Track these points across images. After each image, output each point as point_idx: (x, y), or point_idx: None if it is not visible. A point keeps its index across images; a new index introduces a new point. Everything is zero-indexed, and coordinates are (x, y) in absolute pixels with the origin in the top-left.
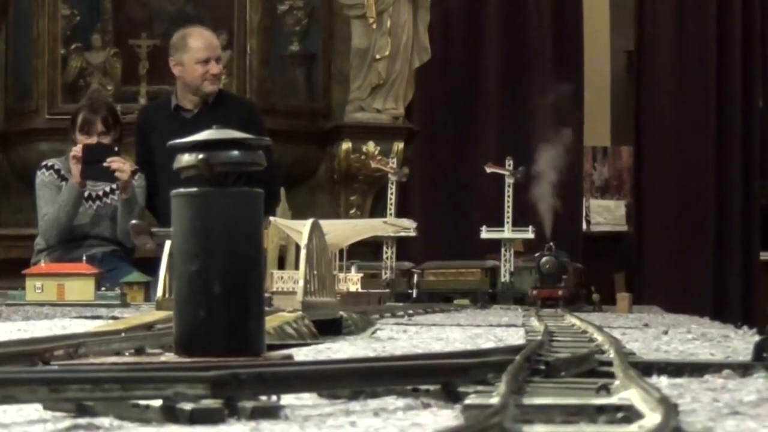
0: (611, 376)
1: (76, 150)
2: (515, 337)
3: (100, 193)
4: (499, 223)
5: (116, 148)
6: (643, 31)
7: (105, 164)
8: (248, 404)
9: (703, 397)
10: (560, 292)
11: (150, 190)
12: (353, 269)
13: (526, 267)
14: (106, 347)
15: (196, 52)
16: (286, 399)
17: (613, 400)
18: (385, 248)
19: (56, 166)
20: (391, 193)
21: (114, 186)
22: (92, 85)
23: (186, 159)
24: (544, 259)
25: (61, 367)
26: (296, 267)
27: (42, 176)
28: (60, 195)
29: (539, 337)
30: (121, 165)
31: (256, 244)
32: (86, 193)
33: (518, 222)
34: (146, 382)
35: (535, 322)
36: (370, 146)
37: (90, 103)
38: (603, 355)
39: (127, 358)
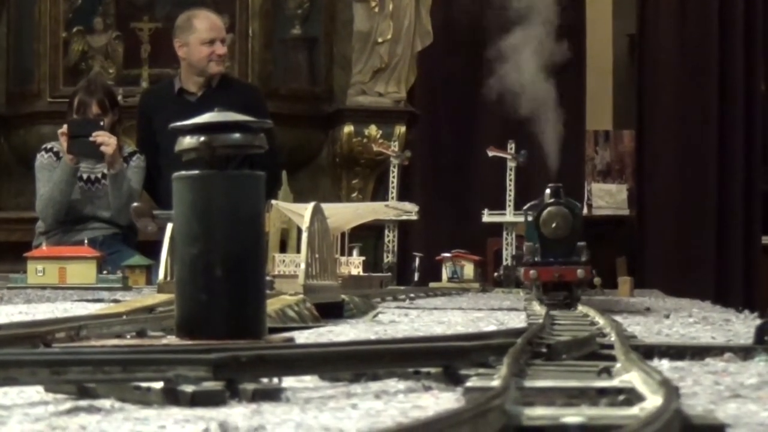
0: (612, 359)
1: (64, 127)
2: (517, 320)
3: (99, 175)
4: (501, 207)
5: (102, 123)
6: (645, 14)
7: (91, 139)
8: (249, 386)
9: (705, 380)
10: (579, 272)
11: (152, 173)
12: (355, 253)
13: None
14: (107, 330)
15: (202, 33)
16: (288, 381)
17: (614, 382)
18: (386, 232)
19: (55, 149)
20: (393, 177)
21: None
22: (94, 69)
23: (188, 141)
24: (548, 211)
25: (62, 350)
26: (298, 250)
27: (41, 158)
28: (53, 173)
29: (540, 321)
30: (106, 139)
31: (258, 228)
32: (85, 176)
33: (520, 206)
34: (147, 364)
35: (536, 306)
36: (372, 130)
37: (87, 85)
38: (604, 338)
39: (128, 341)
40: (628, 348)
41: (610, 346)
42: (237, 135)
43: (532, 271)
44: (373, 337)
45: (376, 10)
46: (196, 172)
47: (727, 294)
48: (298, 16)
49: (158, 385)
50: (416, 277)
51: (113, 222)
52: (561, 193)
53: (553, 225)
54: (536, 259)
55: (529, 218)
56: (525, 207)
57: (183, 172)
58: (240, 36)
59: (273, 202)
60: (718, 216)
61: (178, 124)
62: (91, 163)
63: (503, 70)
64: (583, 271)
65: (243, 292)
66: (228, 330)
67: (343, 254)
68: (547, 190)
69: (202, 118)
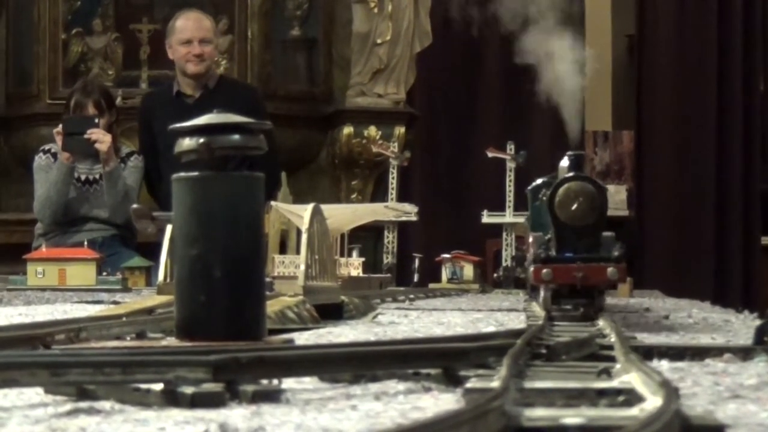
0: (612, 360)
1: (59, 127)
2: (516, 321)
3: (97, 176)
4: (500, 208)
5: (96, 121)
6: (643, 14)
7: (85, 136)
8: (249, 388)
9: (704, 381)
10: (610, 272)
11: (153, 176)
12: (354, 254)
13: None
14: (107, 332)
15: (179, 33)
16: (287, 383)
17: (614, 383)
18: (386, 233)
19: (53, 150)
20: (392, 178)
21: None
22: (93, 70)
23: (187, 143)
24: (567, 188)
25: (62, 351)
26: (297, 251)
27: (39, 160)
28: (49, 174)
29: (540, 322)
30: (100, 136)
31: (257, 229)
32: (83, 177)
33: (519, 206)
34: (147, 366)
35: (536, 307)
36: (372, 131)
37: (83, 86)
38: (604, 339)
39: (128, 343)
40: (627, 349)
41: (610, 347)
42: (236, 136)
43: (545, 270)
44: (372, 338)
45: (375, 11)
46: (196, 173)
47: (727, 294)
48: (297, 18)
49: (158, 386)
50: (416, 278)
51: (111, 222)
52: (583, 164)
53: (574, 207)
54: (550, 254)
55: (540, 200)
56: (529, 187)
57: (182, 174)
58: (239, 37)
59: (272, 203)
60: (717, 216)
61: (178, 125)
62: (89, 164)
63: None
64: (616, 270)
65: (242, 294)
66: (227, 331)
67: (342, 255)
68: (564, 161)
69: (202, 119)
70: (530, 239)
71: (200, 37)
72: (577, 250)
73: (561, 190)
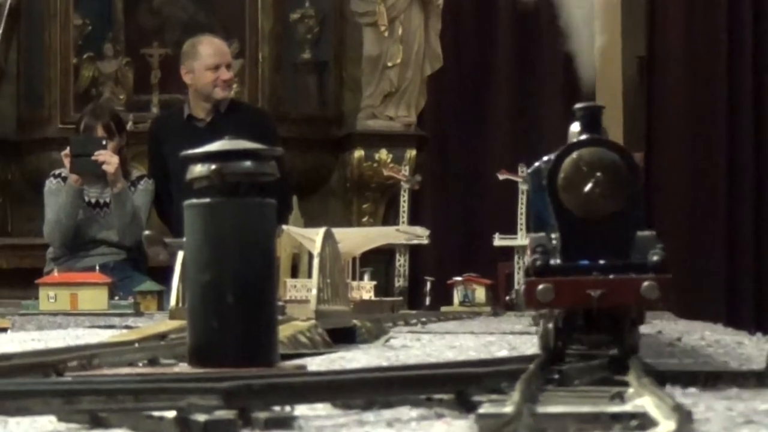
0: (625, 384)
1: (67, 149)
2: (529, 344)
3: (107, 199)
4: (512, 230)
5: (104, 142)
6: (654, 36)
7: (93, 158)
8: (262, 415)
9: (717, 406)
10: (645, 287)
11: (164, 200)
12: (366, 277)
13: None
14: (119, 358)
15: (206, 59)
16: (300, 409)
17: (627, 407)
18: (397, 256)
19: (63, 174)
20: (404, 201)
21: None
22: (104, 95)
23: (198, 169)
24: (578, 157)
25: (74, 379)
26: (309, 275)
27: (49, 184)
28: (58, 197)
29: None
30: (108, 158)
31: (269, 254)
32: (94, 200)
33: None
34: (160, 393)
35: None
36: (383, 154)
37: (93, 109)
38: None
39: (140, 369)
40: (640, 373)
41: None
42: (248, 163)
43: (542, 287)
44: (384, 362)
45: (386, 34)
46: (207, 200)
47: (739, 316)
48: (308, 41)
49: (171, 414)
50: (427, 301)
51: (122, 246)
52: (601, 124)
53: (588, 187)
54: (554, 262)
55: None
56: (530, 169)
57: (194, 200)
58: (250, 60)
59: (284, 227)
60: (728, 236)
61: (189, 152)
62: (100, 187)
63: None
64: (654, 285)
65: (255, 319)
66: (240, 357)
67: (354, 279)
68: (575, 125)
69: (213, 145)
70: (528, 241)
71: (227, 63)
72: (595, 254)
73: (567, 163)
